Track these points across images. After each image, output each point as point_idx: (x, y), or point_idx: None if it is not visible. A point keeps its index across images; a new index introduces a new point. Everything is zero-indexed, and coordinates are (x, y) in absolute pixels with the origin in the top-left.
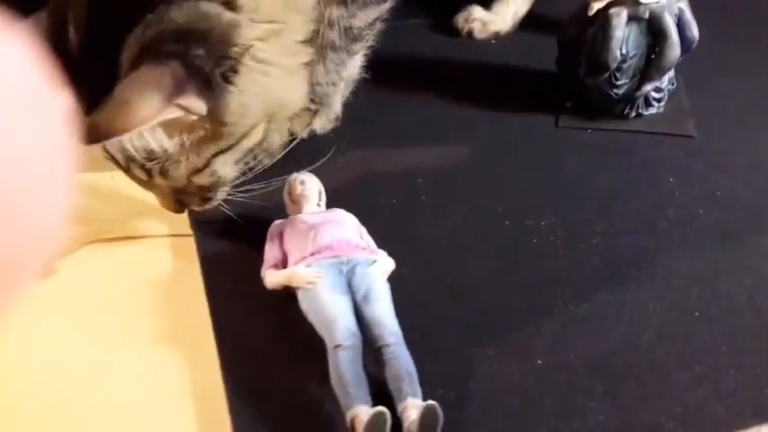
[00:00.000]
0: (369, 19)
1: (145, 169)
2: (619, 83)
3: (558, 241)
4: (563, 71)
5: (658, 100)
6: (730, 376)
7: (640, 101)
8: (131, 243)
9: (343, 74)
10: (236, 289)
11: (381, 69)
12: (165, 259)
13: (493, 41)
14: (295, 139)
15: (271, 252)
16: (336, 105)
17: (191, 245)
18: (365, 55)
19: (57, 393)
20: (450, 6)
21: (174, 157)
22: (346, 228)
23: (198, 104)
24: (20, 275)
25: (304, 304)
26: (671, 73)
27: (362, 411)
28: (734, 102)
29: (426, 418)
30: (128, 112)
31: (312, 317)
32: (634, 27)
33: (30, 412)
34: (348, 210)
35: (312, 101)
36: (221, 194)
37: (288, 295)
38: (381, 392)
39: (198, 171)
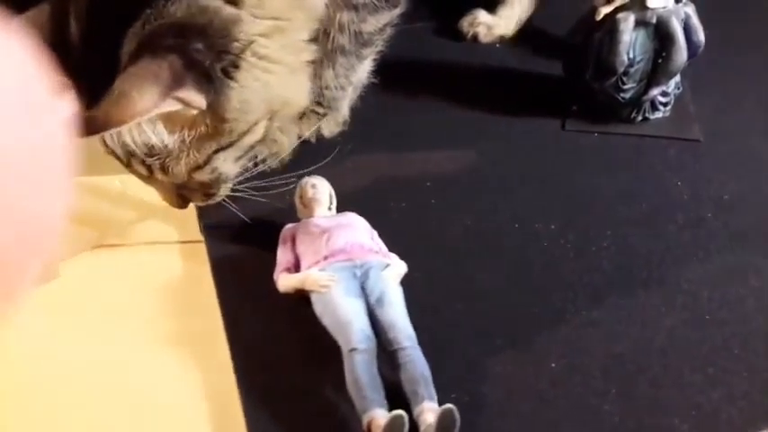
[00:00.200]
0: (379, 24)
1: (145, 165)
2: (626, 87)
3: (568, 245)
4: (570, 75)
5: (665, 104)
6: (743, 378)
7: (647, 105)
8: (140, 247)
9: (352, 78)
10: (247, 292)
11: (386, 73)
12: (176, 263)
13: (498, 45)
14: (303, 141)
15: (283, 256)
16: (344, 109)
17: (201, 249)
18: (374, 60)
19: (69, 398)
20: (455, 10)
21: (175, 153)
22: (359, 231)
23: (197, 98)
24: (19, 276)
25: (318, 308)
26: (677, 77)
27: (379, 414)
28: (739, 105)
29: (444, 422)
30: (125, 105)
31: (326, 320)
32: (641, 32)
33: (42, 417)
34: (357, 213)
35: (320, 104)
36: (224, 190)
37: (300, 298)
38: (396, 396)
39: (198, 167)
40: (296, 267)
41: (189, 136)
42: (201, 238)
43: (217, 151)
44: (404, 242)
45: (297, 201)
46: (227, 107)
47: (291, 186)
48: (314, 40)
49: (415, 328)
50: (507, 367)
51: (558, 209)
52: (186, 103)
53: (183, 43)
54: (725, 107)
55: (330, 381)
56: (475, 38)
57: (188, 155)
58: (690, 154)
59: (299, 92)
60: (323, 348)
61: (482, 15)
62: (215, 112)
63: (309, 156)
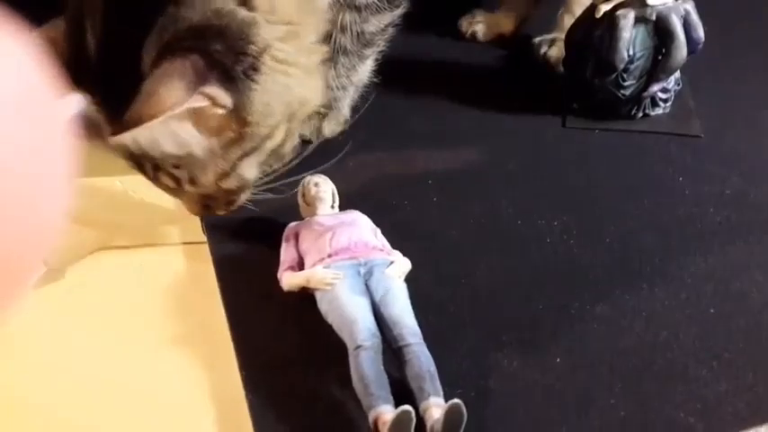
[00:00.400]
0: (381, 24)
1: (173, 177)
2: (626, 84)
3: (571, 241)
4: (570, 72)
5: (665, 100)
6: (748, 372)
7: (647, 101)
8: (143, 249)
9: (353, 78)
10: (251, 291)
11: (386, 71)
12: (179, 263)
13: (497, 43)
14: (305, 142)
15: (287, 254)
16: (345, 109)
17: (204, 250)
18: (376, 60)
19: (75, 398)
20: (454, 9)
21: (201, 164)
22: (362, 229)
23: (223, 96)
24: (19, 276)
25: (323, 306)
26: (677, 74)
27: (386, 411)
28: (739, 101)
29: (451, 417)
30: (156, 101)
31: (331, 318)
32: (641, 28)
33: (46, 417)
34: (360, 211)
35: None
36: (244, 197)
37: (304, 297)
38: (402, 392)
39: (225, 175)
40: (299, 266)
41: (217, 143)
42: (204, 239)
43: (241, 157)
44: (407, 239)
45: (300, 199)
46: (251, 110)
47: (294, 185)
48: (324, 40)
49: (420, 324)
50: (513, 362)
51: (560, 206)
52: (212, 100)
53: (203, 44)
54: (725, 103)
55: (336, 378)
56: (474, 36)
57: (215, 163)
58: (690, 150)
59: (315, 92)
60: (328, 346)
61: (481, 14)
62: (239, 115)
63: (312, 155)
